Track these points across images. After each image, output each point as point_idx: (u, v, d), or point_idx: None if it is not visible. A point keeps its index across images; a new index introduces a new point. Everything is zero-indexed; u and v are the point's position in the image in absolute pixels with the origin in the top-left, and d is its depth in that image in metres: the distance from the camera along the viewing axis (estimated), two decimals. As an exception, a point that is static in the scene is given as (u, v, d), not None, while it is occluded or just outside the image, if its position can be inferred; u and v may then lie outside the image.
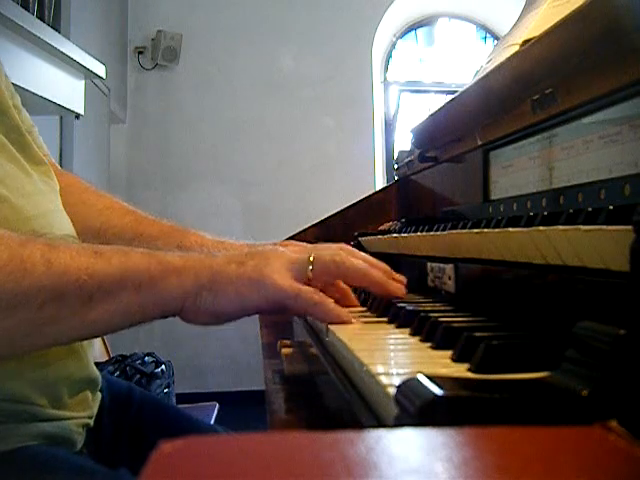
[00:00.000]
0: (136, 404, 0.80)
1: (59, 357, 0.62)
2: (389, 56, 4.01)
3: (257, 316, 1.12)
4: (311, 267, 0.56)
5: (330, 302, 0.55)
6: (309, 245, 0.73)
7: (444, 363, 0.38)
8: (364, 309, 0.64)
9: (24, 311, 0.47)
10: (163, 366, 2.30)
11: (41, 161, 0.72)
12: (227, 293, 0.53)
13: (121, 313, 0.51)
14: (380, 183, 3.72)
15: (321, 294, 0.55)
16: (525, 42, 0.74)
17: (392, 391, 0.29)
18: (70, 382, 0.64)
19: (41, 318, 0.48)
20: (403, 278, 0.63)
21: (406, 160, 1.17)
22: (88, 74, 1.95)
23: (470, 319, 0.51)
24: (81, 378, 0.66)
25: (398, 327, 0.52)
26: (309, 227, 1.27)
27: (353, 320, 0.55)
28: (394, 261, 0.83)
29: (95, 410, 0.69)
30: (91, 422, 0.67)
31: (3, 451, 0.56)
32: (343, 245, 0.64)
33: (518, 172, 0.71)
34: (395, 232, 0.94)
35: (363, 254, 0.63)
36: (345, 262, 0.58)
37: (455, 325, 0.44)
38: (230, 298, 0.53)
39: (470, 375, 0.34)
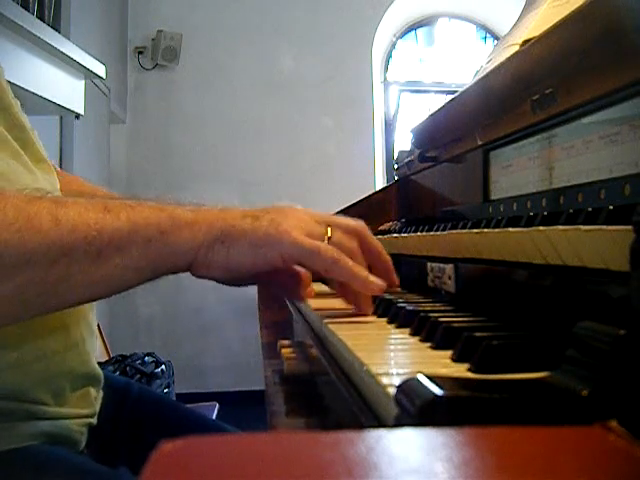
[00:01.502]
0: (133, 399, 0.81)
1: (58, 350, 0.62)
2: (389, 56, 4.01)
3: (257, 316, 1.12)
4: (330, 229, 0.55)
5: (349, 260, 0.53)
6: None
7: (444, 363, 0.38)
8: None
9: (34, 269, 0.47)
10: (163, 366, 2.30)
11: (43, 159, 0.72)
12: (241, 246, 0.52)
13: (132, 268, 0.50)
14: (380, 183, 3.72)
15: (340, 252, 0.53)
16: (525, 42, 0.74)
17: (392, 391, 0.29)
18: (72, 377, 0.64)
19: (51, 275, 0.47)
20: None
21: (406, 160, 1.17)
22: (88, 74, 1.95)
23: (470, 319, 0.51)
24: (83, 373, 0.66)
25: (398, 327, 0.52)
26: (309, 227, 1.27)
27: (373, 278, 0.54)
28: (394, 261, 0.83)
29: (97, 408, 0.69)
30: (94, 420, 0.67)
31: (3, 450, 0.56)
32: (360, 224, 0.61)
33: (518, 172, 0.71)
34: (395, 232, 0.94)
35: (375, 241, 0.60)
36: (362, 232, 0.57)
37: (455, 325, 0.44)
38: (244, 252, 0.52)
39: (470, 375, 0.34)
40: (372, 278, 0.54)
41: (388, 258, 0.60)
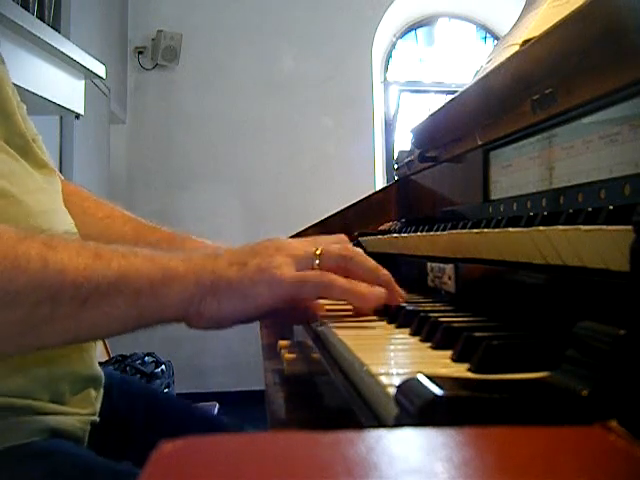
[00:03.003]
0: (130, 395, 0.81)
1: (65, 353, 0.62)
2: (389, 56, 4.01)
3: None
4: (317, 261, 0.55)
5: (341, 279, 0.53)
6: (309, 238, 0.71)
7: (444, 363, 0.38)
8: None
9: (18, 310, 0.46)
10: (163, 366, 2.30)
11: (44, 164, 0.72)
12: (229, 297, 0.52)
13: (118, 318, 0.50)
14: (380, 183, 3.72)
15: (327, 273, 0.53)
16: (525, 42, 0.74)
17: (392, 391, 0.29)
18: (73, 379, 0.64)
19: (36, 317, 0.47)
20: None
21: (406, 160, 1.17)
22: (88, 74, 1.95)
23: (470, 319, 0.51)
24: (85, 376, 0.66)
25: (398, 327, 0.52)
26: (309, 227, 1.27)
27: (372, 288, 0.53)
28: (394, 261, 0.83)
29: (98, 407, 0.69)
30: (96, 418, 0.68)
31: (9, 446, 0.56)
32: (342, 236, 0.61)
33: (518, 172, 0.71)
34: (395, 232, 0.94)
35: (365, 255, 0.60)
36: (354, 257, 0.56)
37: (455, 325, 0.44)
38: (233, 303, 0.52)
39: (470, 375, 0.34)
40: (368, 289, 0.53)
41: (387, 273, 0.59)
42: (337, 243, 0.59)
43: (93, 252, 0.50)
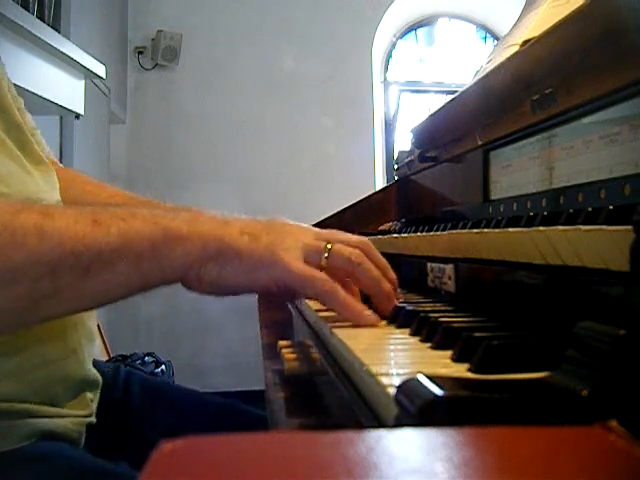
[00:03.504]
0: (122, 382, 0.81)
1: (57, 357, 0.62)
2: (389, 56, 4.01)
3: (257, 316, 1.12)
4: (326, 255, 0.54)
5: (343, 292, 0.53)
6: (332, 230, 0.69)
7: (444, 363, 0.38)
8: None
9: (19, 286, 0.45)
10: (163, 366, 2.31)
11: (41, 160, 0.72)
12: (234, 268, 0.51)
13: (121, 284, 0.49)
14: (380, 183, 3.71)
15: (334, 283, 0.53)
16: (525, 42, 0.74)
17: (392, 391, 0.29)
18: (68, 383, 0.64)
19: (37, 292, 0.46)
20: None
21: (406, 160, 1.17)
22: (88, 74, 1.95)
23: (470, 319, 0.51)
24: (80, 379, 0.66)
25: (398, 327, 0.52)
26: (309, 227, 1.27)
27: (368, 312, 0.53)
28: (394, 261, 0.83)
29: (94, 408, 0.69)
30: (92, 420, 0.68)
31: (1, 451, 0.56)
32: (363, 239, 0.59)
33: (518, 172, 0.71)
34: (395, 232, 0.94)
35: (381, 257, 0.59)
36: (362, 264, 0.55)
37: (455, 325, 0.44)
38: (236, 273, 0.51)
39: (470, 375, 0.34)
40: (366, 312, 0.53)
41: (394, 276, 0.59)
42: (357, 246, 0.57)
43: (91, 218, 0.48)
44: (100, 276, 0.48)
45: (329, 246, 0.54)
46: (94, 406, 0.69)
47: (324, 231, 0.58)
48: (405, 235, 0.81)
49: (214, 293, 0.53)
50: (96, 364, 0.71)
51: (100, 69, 1.96)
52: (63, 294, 0.48)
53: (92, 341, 0.70)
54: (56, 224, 0.47)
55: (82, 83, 1.95)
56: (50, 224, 0.46)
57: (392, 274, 0.59)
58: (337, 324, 0.54)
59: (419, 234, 0.75)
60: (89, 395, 0.68)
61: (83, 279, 0.47)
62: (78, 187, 0.84)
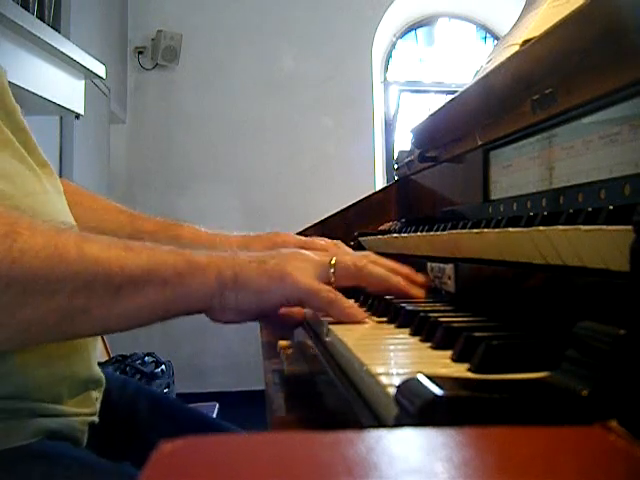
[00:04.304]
0: (130, 396, 0.81)
1: (64, 355, 0.62)
2: (389, 56, 4.01)
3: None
4: (333, 270, 0.59)
5: (346, 301, 0.57)
6: (330, 247, 0.77)
7: (444, 363, 0.38)
8: (364, 309, 0.64)
9: (57, 298, 0.48)
10: (163, 366, 2.30)
11: (45, 164, 0.72)
12: (248, 291, 0.55)
13: (147, 307, 0.52)
14: (380, 183, 3.71)
15: (338, 293, 0.57)
16: (525, 42, 0.74)
17: (392, 391, 0.29)
18: (72, 381, 0.64)
19: (72, 306, 0.49)
20: (423, 278, 0.66)
21: (406, 160, 1.17)
22: (88, 74, 1.95)
23: (470, 319, 0.51)
24: (84, 377, 0.66)
25: (398, 327, 0.52)
26: (309, 227, 1.27)
27: (367, 320, 0.56)
28: (394, 261, 0.83)
29: (98, 407, 0.69)
30: (95, 419, 0.68)
31: (4, 449, 0.56)
32: (368, 253, 0.66)
33: (518, 172, 0.71)
34: (395, 232, 0.94)
35: (387, 261, 0.65)
36: (366, 267, 0.61)
37: (455, 325, 0.44)
38: (250, 296, 0.56)
39: (470, 375, 0.34)
40: (363, 317, 0.57)
41: (405, 271, 0.65)
42: (362, 256, 0.64)
43: (123, 245, 0.53)
44: (129, 298, 0.51)
45: (333, 261, 0.60)
46: (98, 406, 0.69)
47: (327, 253, 0.65)
48: (405, 235, 0.81)
49: (236, 320, 0.58)
50: (105, 374, 0.72)
51: (100, 69, 1.96)
52: (93, 312, 0.50)
53: (96, 340, 0.70)
54: (93, 245, 0.51)
55: (82, 83, 1.95)
56: (88, 244, 0.50)
57: (404, 269, 0.65)
58: (337, 324, 0.54)
59: (419, 234, 0.75)
60: (94, 394, 0.68)
61: (113, 299, 0.51)
62: (69, 198, 0.82)
